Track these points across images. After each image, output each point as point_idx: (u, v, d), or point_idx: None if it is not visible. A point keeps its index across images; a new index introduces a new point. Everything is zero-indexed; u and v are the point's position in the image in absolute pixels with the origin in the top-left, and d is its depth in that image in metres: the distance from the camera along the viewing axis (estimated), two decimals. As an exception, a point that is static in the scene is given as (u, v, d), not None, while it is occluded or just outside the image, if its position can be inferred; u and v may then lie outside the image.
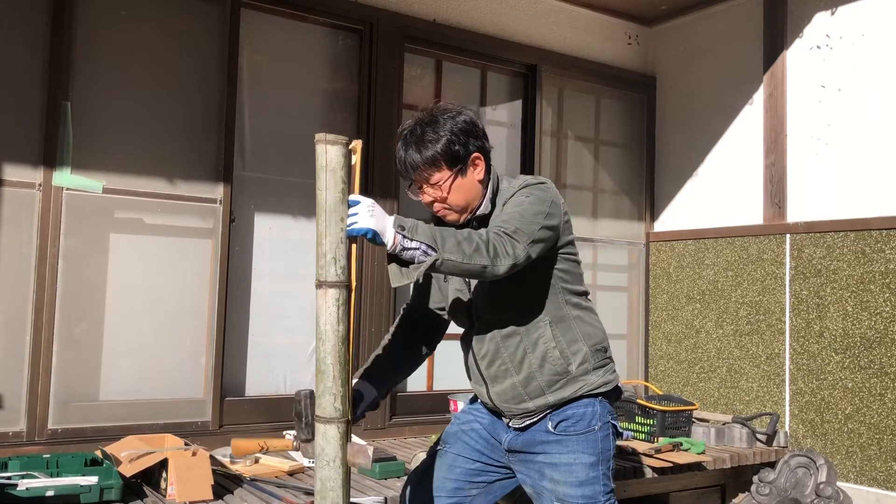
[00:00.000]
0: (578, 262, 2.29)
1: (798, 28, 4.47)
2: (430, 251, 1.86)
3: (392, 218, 1.87)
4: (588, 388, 2.18)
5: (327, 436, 1.82)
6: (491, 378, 2.24)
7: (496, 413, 2.30)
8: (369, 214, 1.82)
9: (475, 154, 2.17)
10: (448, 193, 2.15)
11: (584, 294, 2.29)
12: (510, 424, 2.26)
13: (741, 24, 4.77)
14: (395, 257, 1.88)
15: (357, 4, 4.15)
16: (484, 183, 2.21)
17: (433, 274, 2.21)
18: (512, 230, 2.02)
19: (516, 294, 2.17)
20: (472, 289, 2.24)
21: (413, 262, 1.87)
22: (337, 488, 1.82)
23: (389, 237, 1.85)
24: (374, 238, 1.84)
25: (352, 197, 1.84)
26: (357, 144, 1.88)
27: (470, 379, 2.36)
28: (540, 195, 2.15)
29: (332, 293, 1.81)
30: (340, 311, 1.81)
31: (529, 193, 2.15)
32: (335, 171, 1.82)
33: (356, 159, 1.89)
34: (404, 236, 1.85)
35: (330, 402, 1.81)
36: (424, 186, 2.17)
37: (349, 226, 1.82)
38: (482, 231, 2.00)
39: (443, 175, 2.14)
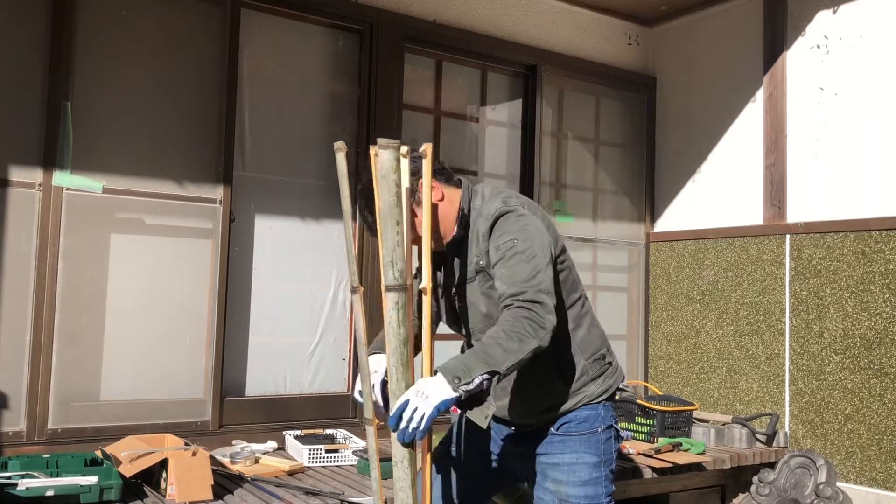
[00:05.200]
0: (570, 268, 2.20)
1: (798, 29, 4.47)
2: (490, 378, 1.83)
3: (440, 380, 1.80)
4: (587, 399, 2.17)
5: (394, 437, 1.86)
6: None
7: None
8: (424, 398, 1.78)
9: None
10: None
11: (579, 299, 2.21)
12: (511, 428, 2.26)
13: (741, 24, 4.77)
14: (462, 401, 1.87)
15: (357, 5, 4.15)
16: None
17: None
18: (525, 298, 1.91)
19: None
20: (458, 306, 2.20)
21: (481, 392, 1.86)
22: (406, 488, 1.86)
23: (451, 393, 1.79)
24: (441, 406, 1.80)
25: (393, 404, 1.82)
26: (427, 148, 1.88)
27: None
28: (521, 233, 2.00)
29: (392, 297, 1.82)
30: (400, 315, 1.82)
31: (511, 236, 2.00)
32: (386, 176, 1.81)
33: (426, 164, 1.90)
34: (466, 384, 1.80)
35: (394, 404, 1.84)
36: None
37: (419, 426, 1.78)
38: (504, 316, 1.90)
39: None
